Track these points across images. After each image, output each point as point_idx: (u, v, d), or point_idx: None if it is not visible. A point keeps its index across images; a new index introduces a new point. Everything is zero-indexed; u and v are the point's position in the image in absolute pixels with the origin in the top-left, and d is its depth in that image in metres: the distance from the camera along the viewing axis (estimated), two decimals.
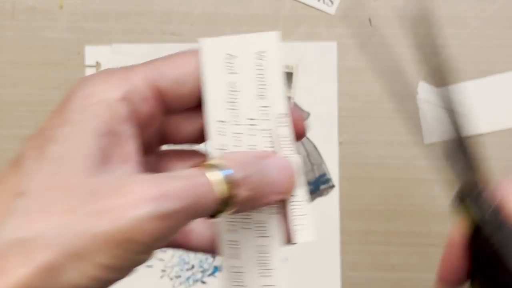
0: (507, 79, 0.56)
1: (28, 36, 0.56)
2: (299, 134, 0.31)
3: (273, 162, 0.30)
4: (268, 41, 0.30)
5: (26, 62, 0.55)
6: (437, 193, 0.57)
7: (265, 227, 0.31)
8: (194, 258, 0.56)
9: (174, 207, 0.25)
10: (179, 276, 0.55)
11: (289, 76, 0.56)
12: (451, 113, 0.29)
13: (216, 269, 0.56)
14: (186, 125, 0.31)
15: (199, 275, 0.56)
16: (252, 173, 0.28)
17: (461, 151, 0.29)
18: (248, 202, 0.28)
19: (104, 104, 0.27)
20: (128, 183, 0.26)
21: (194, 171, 0.27)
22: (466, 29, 0.56)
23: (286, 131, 0.30)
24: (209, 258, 0.56)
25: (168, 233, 0.27)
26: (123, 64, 0.58)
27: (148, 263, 0.56)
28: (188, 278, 0.56)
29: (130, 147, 0.27)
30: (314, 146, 0.56)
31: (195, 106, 0.30)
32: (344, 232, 0.56)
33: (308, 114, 0.56)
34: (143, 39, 0.56)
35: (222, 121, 0.29)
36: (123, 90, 0.28)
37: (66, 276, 0.25)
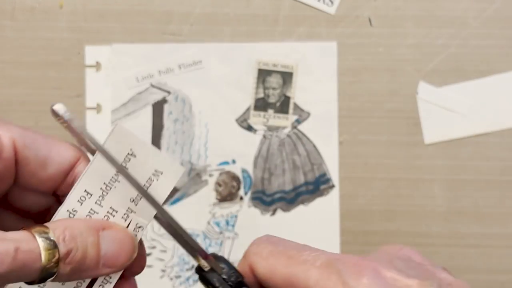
0: (507, 79, 0.56)
1: (28, 36, 0.56)
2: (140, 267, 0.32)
3: (110, 234, 0.30)
4: (172, 169, 0.31)
5: (26, 62, 0.55)
6: (437, 193, 0.57)
7: None
8: None
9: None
10: (179, 276, 0.55)
11: (289, 76, 0.56)
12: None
13: None
14: (31, 201, 0.31)
15: None
16: (78, 248, 0.28)
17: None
18: (70, 276, 0.28)
19: None
20: None
21: (25, 235, 0.27)
22: (466, 29, 0.56)
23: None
24: None
25: None
26: (123, 64, 0.58)
27: (148, 263, 0.56)
28: (188, 278, 0.56)
29: None
30: (314, 146, 0.56)
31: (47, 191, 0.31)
32: (344, 232, 0.56)
33: (308, 114, 0.56)
34: (143, 39, 0.56)
35: (88, 193, 0.30)
36: None
37: None
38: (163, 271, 0.55)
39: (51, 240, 0.27)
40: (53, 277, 0.27)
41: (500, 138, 0.57)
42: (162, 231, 0.56)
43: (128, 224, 0.31)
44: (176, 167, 0.31)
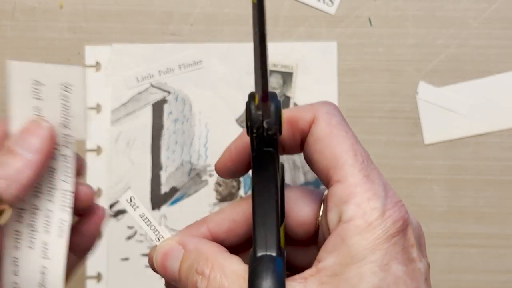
0: (506, 79, 0.56)
1: (28, 36, 0.56)
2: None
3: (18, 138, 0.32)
4: (74, 75, 0.31)
5: None
6: (437, 193, 0.57)
7: (48, 249, 0.33)
8: None
9: None
10: None
11: (289, 76, 0.56)
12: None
13: None
14: None
15: None
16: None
17: (258, 61, 0.28)
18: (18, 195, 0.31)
19: None
20: None
21: None
22: (466, 29, 0.57)
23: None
24: None
25: None
26: (123, 64, 0.58)
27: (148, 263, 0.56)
28: None
29: None
30: None
31: None
32: None
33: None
34: (143, 39, 0.56)
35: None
36: None
37: None
38: None
39: None
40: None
41: (500, 138, 0.57)
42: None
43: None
44: (75, 70, 0.32)
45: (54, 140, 0.32)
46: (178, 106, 0.56)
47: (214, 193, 0.56)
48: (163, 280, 0.57)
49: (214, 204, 0.56)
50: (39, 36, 0.56)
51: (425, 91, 0.57)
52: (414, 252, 0.29)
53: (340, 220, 0.28)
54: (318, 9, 0.56)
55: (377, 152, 0.57)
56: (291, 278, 0.28)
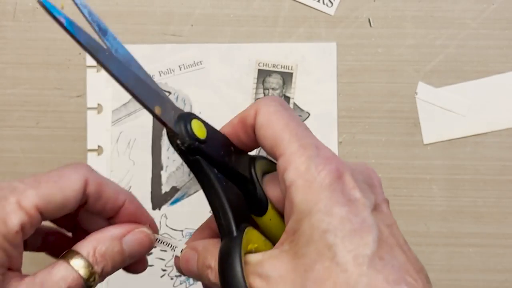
0: (505, 79, 0.57)
1: (30, 36, 0.56)
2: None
3: (130, 238, 0.39)
4: None
5: (27, 63, 0.56)
6: (436, 192, 0.57)
7: None
8: None
9: None
10: (179, 276, 0.56)
11: (289, 76, 0.56)
12: None
13: None
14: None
15: None
16: (108, 262, 0.38)
17: None
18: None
19: (2, 237, 0.34)
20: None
21: (67, 270, 0.36)
22: (465, 29, 0.57)
23: None
24: None
25: None
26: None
27: (149, 262, 0.56)
28: (188, 278, 0.56)
29: (19, 261, 0.35)
30: None
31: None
32: None
33: (308, 114, 0.57)
34: (144, 39, 0.56)
35: None
36: (19, 222, 0.34)
37: None
38: (164, 270, 0.56)
39: (86, 262, 0.36)
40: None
41: (498, 138, 0.57)
42: (163, 230, 0.56)
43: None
44: None
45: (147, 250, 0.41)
46: (178, 106, 0.56)
47: None
48: (163, 279, 0.57)
49: None
50: (40, 37, 0.56)
51: (424, 91, 0.57)
52: (356, 193, 0.33)
53: (286, 187, 0.33)
54: (317, 10, 0.56)
55: (376, 152, 0.57)
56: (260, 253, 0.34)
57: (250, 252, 0.34)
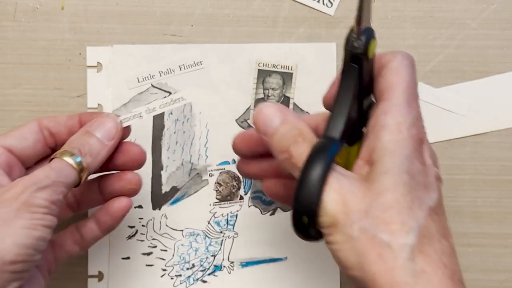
0: (505, 79, 0.57)
1: (30, 37, 0.56)
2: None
3: (98, 126, 0.46)
4: None
5: (28, 63, 0.56)
6: None
7: None
8: (194, 257, 0.56)
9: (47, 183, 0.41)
10: (179, 275, 0.56)
11: (289, 76, 0.56)
12: None
13: (216, 268, 0.56)
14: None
15: (199, 274, 0.56)
16: (91, 152, 0.45)
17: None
18: (94, 164, 0.45)
19: None
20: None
21: (61, 164, 0.43)
22: (465, 30, 0.57)
23: None
24: (209, 258, 0.56)
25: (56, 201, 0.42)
26: (124, 64, 0.58)
27: (149, 262, 0.56)
28: (188, 277, 0.56)
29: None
30: None
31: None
32: None
33: (308, 114, 0.57)
34: (144, 40, 0.56)
35: None
36: None
37: None
38: (164, 270, 0.56)
39: (76, 157, 0.44)
40: (85, 173, 0.44)
41: (498, 138, 0.57)
42: (163, 230, 0.56)
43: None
44: None
45: (120, 134, 0.48)
46: (178, 106, 0.56)
47: (214, 193, 0.56)
48: (163, 279, 0.57)
49: (215, 204, 0.56)
50: (40, 37, 0.56)
51: (424, 92, 0.57)
52: (428, 160, 0.39)
53: (378, 126, 0.39)
54: (317, 10, 0.56)
55: None
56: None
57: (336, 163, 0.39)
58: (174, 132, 0.56)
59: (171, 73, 0.56)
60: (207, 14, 0.56)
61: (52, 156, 0.44)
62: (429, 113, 0.57)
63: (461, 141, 0.57)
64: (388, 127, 0.38)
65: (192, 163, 0.56)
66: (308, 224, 0.37)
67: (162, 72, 0.56)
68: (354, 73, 0.40)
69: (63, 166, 0.43)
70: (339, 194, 0.37)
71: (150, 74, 0.56)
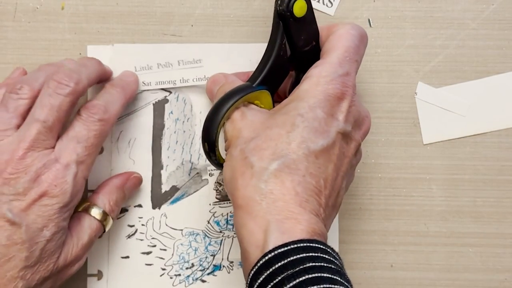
0: (504, 79, 0.57)
1: (30, 37, 0.56)
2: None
3: (129, 184, 0.54)
4: None
5: (28, 63, 0.56)
6: (435, 192, 0.57)
7: None
8: (193, 257, 0.56)
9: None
10: (178, 275, 0.56)
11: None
12: None
13: (215, 268, 0.56)
14: None
15: (198, 274, 0.56)
16: (118, 207, 0.53)
17: None
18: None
19: None
20: None
21: (90, 221, 0.50)
22: (464, 30, 0.57)
23: None
24: (209, 257, 0.56)
25: None
26: (124, 63, 0.58)
27: (149, 261, 0.56)
28: (187, 277, 0.56)
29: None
30: None
31: None
32: (343, 231, 0.57)
33: None
34: (144, 40, 0.56)
35: None
36: None
37: None
38: (163, 269, 0.56)
39: (101, 210, 0.50)
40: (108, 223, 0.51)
41: (498, 138, 0.57)
42: (162, 229, 0.56)
43: None
44: None
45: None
46: (179, 105, 0.56)
47: (214, 193, 0.56)
48: (162, 279, 0.58)
49: (214, 204, 0.56)
50: (40, 37, 0.56)
51: (424, 92, 0.57)
52: (340, 115, 0.43)
53: (304, 77, 0.44)
54: (317, 10, 0.56)
55: (376, 152, 0.57)
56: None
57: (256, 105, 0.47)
58: (174, 132, 0.56)
59: (169, 66, 0.56)
60: (207, 14, 0.56)
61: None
62: (429, 113, 0.57)
63: (461, 141, 0.57)
64: (310, 78, 0.44)
65: (192, 163, 0.56)
66: (208, 150, 0.46)
67: (160, 64, 0.56)
68: (279, 29, 0.46)
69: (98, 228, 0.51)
70: (238, 124, 0.44)
71: (147, 65, 0.55)
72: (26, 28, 0.56)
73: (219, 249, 0.56)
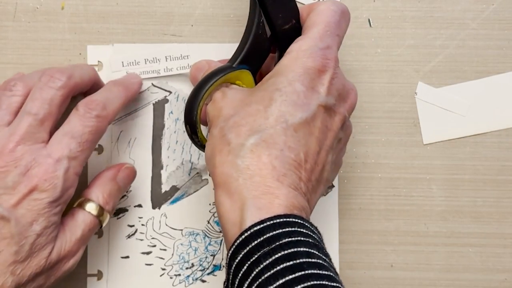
0: (505, 80, 0.57)
1: (30, 37, 0.56)
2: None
3: (122, 175, 0.52)
4: None
5: (28, 63, 0.56)
6: (435, 192, 0.57)
7: None
8: (193, 257, 0.56)
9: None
10: (178, 275, 0.56)
11: None
12: None
13: (215, 268, 0.56)
14: None
15: (198, 274, 0.56)
16: (113, 199, 0.51)
17: None
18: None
19: None
20: None
21: (86, 217, 0.49)
22: (465, 30, 0.57)
23: None
24: (209, 257, 0.56)
25: None
26: (124, 63, 0.58)
27: (149, 261, 0.56)
28: (187, 277, 0.56)
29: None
30: None
31: None
32: (343, 231, 0.57)
33: None
34: (144, 40, 0.56)
35: None
36: None
37: None
38: (163, 269, 0.56)
39: (96, 205, 0.49)
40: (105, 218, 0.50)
41: (498, 138, 0.57)
42: (162, 229, 0.56)
43: None
44: None
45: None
46: (179, 105, 0.56)
47: (213, 192, 0.56)
48: (162, 279, 0.58)
49: (214, 203, 0.56)
50: (40, 37, 0.56)
51: (424, 92, 0.57)
52: (321, 88, 0.42)
53: (286, 52, 0.44)
54: None
55: (376, 152, 0.57)
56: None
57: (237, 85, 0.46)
58: (174, 131, 0.56)
59: (156, 62, 0.56)
60: (207, 14, 0.56)
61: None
62: (429, 113, 0.57)
63: (461, 141, 0.57)
64: (290, 53, 0.43)
65: (192, 163, 0.56)
66: (191, 132, 0.46)
67: (148, 60, 0.55)
68: (256, 7, 0.46)
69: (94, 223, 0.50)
70: (218, 104, 0.44)
71: (135, 60, 0.55)
72: (26, 28, 0.56)
73: (219, 249, 0.56)
